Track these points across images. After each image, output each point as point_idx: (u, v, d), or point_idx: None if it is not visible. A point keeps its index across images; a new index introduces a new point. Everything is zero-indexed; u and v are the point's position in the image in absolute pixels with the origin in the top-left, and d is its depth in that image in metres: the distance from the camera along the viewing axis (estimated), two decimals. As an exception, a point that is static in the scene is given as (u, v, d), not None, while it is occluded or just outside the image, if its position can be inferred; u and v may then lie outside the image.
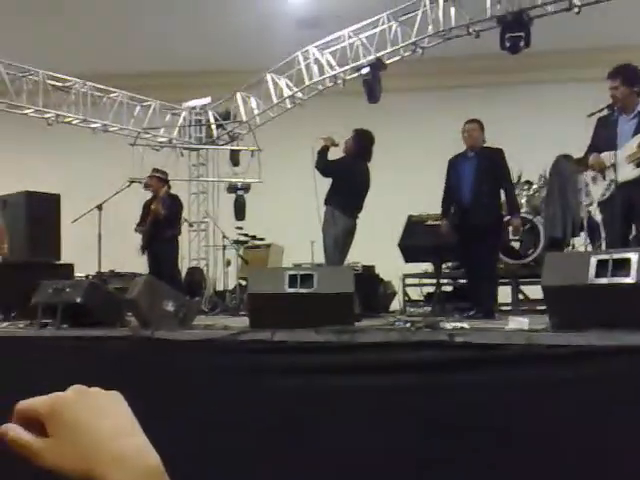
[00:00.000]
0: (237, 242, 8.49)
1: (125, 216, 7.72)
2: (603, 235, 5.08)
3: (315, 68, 8.71)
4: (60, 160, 11.12)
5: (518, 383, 3.25)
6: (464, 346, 3.37)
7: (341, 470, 3.55)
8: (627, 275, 3.29)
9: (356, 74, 8.37)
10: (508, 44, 7.01)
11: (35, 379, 4.49)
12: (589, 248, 5.54)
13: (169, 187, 7.90)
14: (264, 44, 9.68)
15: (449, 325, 3.78)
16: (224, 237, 8.39)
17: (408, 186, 9.92)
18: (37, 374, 4.52)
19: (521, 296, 6.59)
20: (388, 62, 8.19)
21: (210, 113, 10.11)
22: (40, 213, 7.87)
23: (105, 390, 0.63)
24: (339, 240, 6.13)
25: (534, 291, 5.94)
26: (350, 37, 8.32)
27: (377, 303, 6.38)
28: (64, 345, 4.59)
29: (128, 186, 7.71)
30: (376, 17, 8.06)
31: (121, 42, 10.32)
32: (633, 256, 3.29)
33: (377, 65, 8.08)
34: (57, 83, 8.83)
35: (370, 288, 6.29)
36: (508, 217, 5.69)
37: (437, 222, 5.86)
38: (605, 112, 4.85)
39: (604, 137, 4.74)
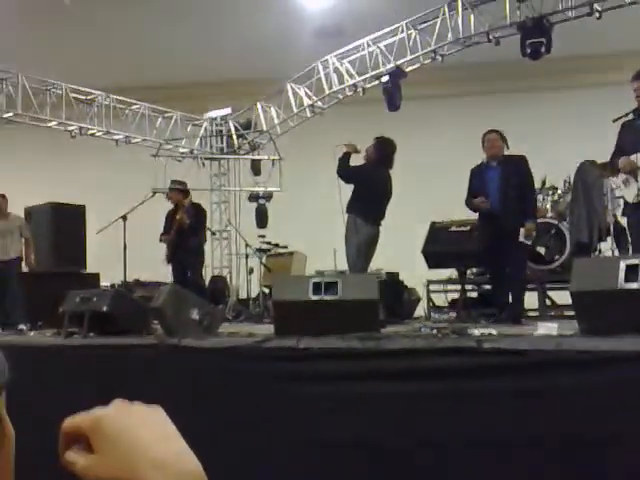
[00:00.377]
0: (260, 250, 8.52)
1: (149, 226, 7.79)
2: (630, 239, 5.03)
3: (335, 77, 8.74)
4: (84, 172, 11.27)
5: (548, 389, 3.22)
6: (493, 352, 3.34)
7: (368, 476, 3.53)
8: (657, 279, 3.25)
9: (376, 82, 8.39)
10: (529, 50, 6.98)
11: (63, 387, 4.53)
12: (616, 253, 5.48)
13: (188, 197, 7.95)
14: (284, 54, 9.74)
15: (477, 331, 3.75)
16: (247, 245, 8.42)
17: (430, 193, 9.90)
18: (64, 383, 4.56)
19: (548, 302, 6.53)
20: (408, 70, 8.19)
21: (231, 123, 10.18)
22: (65, 224, 8.00)
23: (144, 403, 0.64)
24: (362, 248, 6.12)
25: (561, 296, 5.89)
26: (369, 46, 8.34)
27: (401, 310, 6.35)
28: (91, 354, 4.63)
29: (151, 197, 7.78)
30: (395, 25, 8.07)
31: (142, 55, 10.45)
32: (663, 260, 3.25)
33: (397, 73, 8.09)
34: (80, 96, 8.95)
35: (394, 295, 6.26)
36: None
37: (460, 228, 5.83)
38: (630, 117, 4.81)
39: (629, 141, 4.70)
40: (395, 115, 8.10)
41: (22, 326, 6.00)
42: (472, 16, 7.48)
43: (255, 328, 5.57)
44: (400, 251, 7.18)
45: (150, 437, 0.59)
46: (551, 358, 3.25)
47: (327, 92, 8.89)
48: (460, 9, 7.49)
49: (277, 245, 8.74)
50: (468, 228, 5.91)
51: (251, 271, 8.50)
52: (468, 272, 6.60)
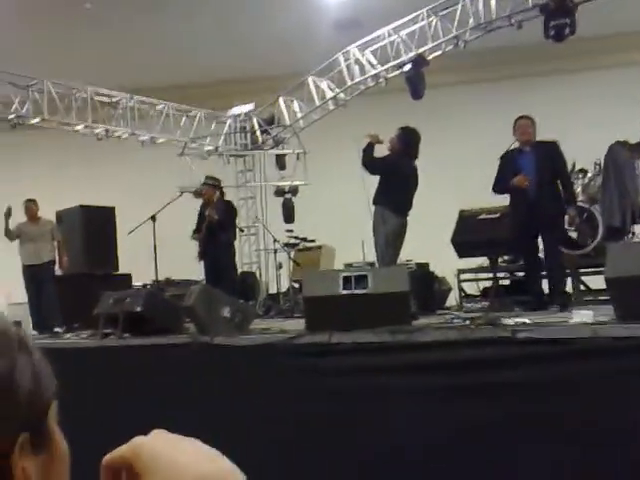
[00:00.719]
0: (288, 245, 8.53)
1: (178, 225, 7.85)
2: None
3: (356, 68, 8.69)
4: (112, 174, 11.39)
5: (585, 377, 3.18)
6: (528, 342, 3.31)
7: (400, 470, 3.53)
8: (695, 263, 3.18)
9: (398, 72, 8.31)
10: (552, 32, 6.85)
11: (101, 389, 4.60)
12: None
13: (222, 193, 8.00)
14: (304, 48, 9.71)
15: (511, 321, 3.71)
16: (275, 241, 8.44)
17: (458, 181, 9.81)
18: (102, 384, 4.62)
19: (582, 287, 6.43)
20: (430, 57, 8.11)
21: (254, 119, 10.19)
22: (96, 226, 8.11)
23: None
24: (390, 239, 6.09)
25: (595, 281, 5.80)
26: (390, 35, 8.27)
27: (433, 300, 6.32)
28: (127, 354, 4.69)
29: (179, 196, 7.83)
30: (415, 13, 7.99)
31: (163, 54, 10.50)
32: (701, 242, 3.18)
33: (419, 61, 8.00)
34: (104, 99, 9.04)
35: (425, 285, 6.23)
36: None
37: (490, 216, 5.77)
38: None
39: None
40: (420, 104, 8.03)
41: (58, 328, 6.10)
42: (493, 0, 7.37)
43: (286, 324, 5.59)
44: (430, 241, 7.13)
45: (193, 456, 0.60)
46: (587, 346, 3.21)
47: (349, 83, 8.84)
48: (481, -7, 7.38)
49: (305, 239, 8.74)
50: (497, 215, 5.84)
51: (280, 266, 8.52)
52: (499, 259, 6.53)
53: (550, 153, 5.56)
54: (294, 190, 9.46)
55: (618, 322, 3.42)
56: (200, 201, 8.06)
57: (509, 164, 5.64)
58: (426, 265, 7.19)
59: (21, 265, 7.50)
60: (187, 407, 4.18)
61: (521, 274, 6.41)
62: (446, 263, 6.74)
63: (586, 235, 6.02)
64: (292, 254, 8.50)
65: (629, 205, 5.78)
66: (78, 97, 8.75)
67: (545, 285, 5.56)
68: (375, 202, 6.27)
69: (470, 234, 5.69)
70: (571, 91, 10.32)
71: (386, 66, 8.43)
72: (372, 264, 7.71)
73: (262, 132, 10.15)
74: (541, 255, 5.52)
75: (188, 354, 4.39)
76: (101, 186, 10.75)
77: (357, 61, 8.67)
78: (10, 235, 7.47)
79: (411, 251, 6.53)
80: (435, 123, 10.04)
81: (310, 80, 9.19)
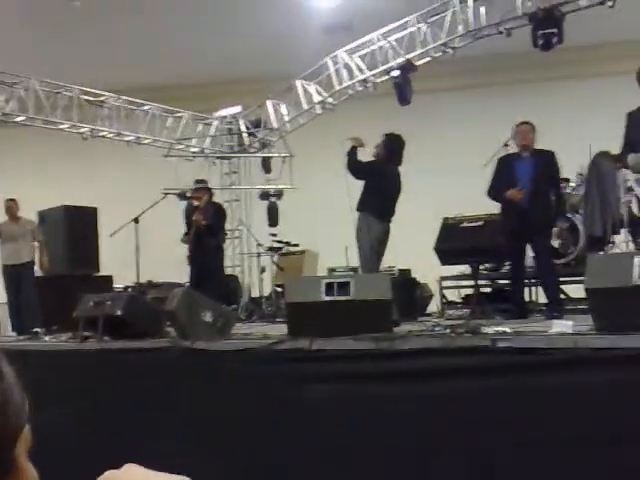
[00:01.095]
0: (271, 249, 8.51)
1: (161, 227, 7.81)
2: None
3: (345, 72, 8.69)
4: (96, 174, 11.32)
5: (564, 388, 3.19)
6: (507, 351, 3.32)
7: (381, 476, 3.52)
8: (673, 275, 3.20)
9: (386, 77, 8.33)
10: (540, 41, 6.88)
11: (78, 391, 4.56)
12: (630, 246, 5.41)
13: (211, 195, 7.97)
14: (293, 51, 9.70)
15: (491, 330, 3.72)
16: (258, 244, 8.42)
17: (443, 188, 9.84)
18: (80, 386, 4.58)
19: (562, 295, 6.47)
20: (418, 63, 8.13)
21: (241, 121, 10.16)
22: (78, 227, 8.05)
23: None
24: (375, 245, 6.10)
25: (575, 290, 5.84)
26: (379, 40, 8.28)
27: (414, 307, 6.34)
28: (106, 357, 4.66)
29: (163, 198, 7.79)
30: (405, 19, 8.01)
31: (150, 55, 10.46)
32: (680, 256, 3.21)
33: (407, 67, 8.02)
34: (91, 98, 8.97)
35: (406, 292, 6.25)
36: None
37: (473, 224, 5.79)
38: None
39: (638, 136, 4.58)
40: (407, 109, 8.05)
41: (37, 330, 6.04)
42: (483, 8, 7.40)
43: (268, 328, 5.58)
44: (413, 247, 7.14)
45: None
46: (566, 356, 3.22)
47: (337, 88, 8.84)
48: (471, 1, 7.40)
49: (288, 243, 8.73)
50: (480, 223, 5.87)
51: (263, 270, 8.51)
52: (481, 267, 6.55)
53: (547, 162, 5.59)
54: (279, 194, 9.44)
55: (597, 333, 3.44)
56: (184, 203, 8.02)
57: (506, 168, 5.66)
58: (408, 271, 7.21)
59: (0, 265, 7.43)
60: (167, 411, 4.16)
61: (503, 282, 6.44)
62: (428, 270, 6.76)
63: (567, 244, 6.06)
64: (275, 258, 8.49)
65: (610, 215, 5.82)
66: (64, 96, 8.69)
67: (537, 293, 5.61)
68: (359, 208, 6.28)
69: (453, 242, 5.71)
70: (558, 99, 10.39)
71: (374, 71, 8.44)
72: (355, 269, 7.72)
73: (249, 135, 10.12)
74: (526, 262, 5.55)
75: (169, 358, 4.36)
76: (84, 186, 10.67)
77: (346, 65, 8.67)
78: (-10, 235, 7.41)
79: (394, 257, 6.54)
80: (421, 129, 10.07)
81: (298, 84, 9.18)
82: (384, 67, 8.26)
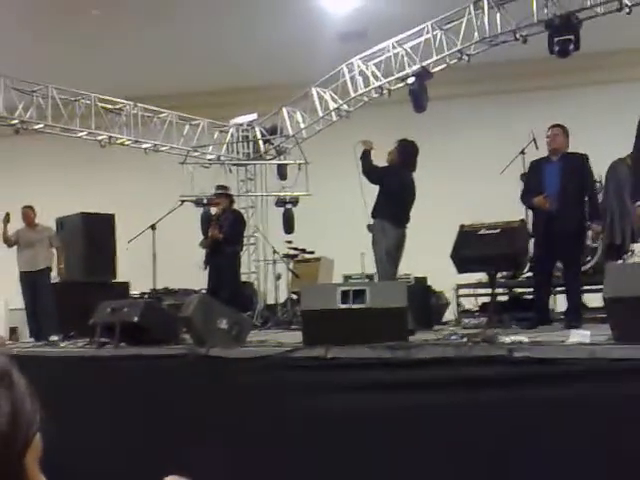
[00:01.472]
0: (287, 256, 8.52)
1: (178, 234, 7.85)
2: None
3: (360, 80, 8.71)
4: (114, 181, 11.40)
5: (581, 399, 3.15)
6: (524, 361, 3.28)
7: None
8: (693, 285, 3.16)
9: (402, 84, 8.33)
10: (557, 48, 6.84)
11: (95, 397, 4.59)
12: (650, 254, 5.36)
13: (232, 202, 7.99)
14: (308, 58, 9.73)
15: (507, 339, 3.69)
16: (274, 251, 8.43)
17: (459, 195, 9.80)
18: (97, 392, 4.61)
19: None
20: (434, 70, 8.12)
21: (257, 129, 10.21)
22: (96, 233, 8.10)
23: None
24: (391, 252, 6.08)
25: (593, 299, 5.78)
26: (394, 47, 8.28)
27: (430, 315, 6.30)
28: (123, 364, 4.68)
29: (180, 205, 7.83)
30: (420, 26, 8.00)
31: (168, 62, 10.54)
32: (700, 265, 3.16)
33: (423, 74, 8.02)
34: (108, 106, 9.05)
35: (422, 300, 6.21)
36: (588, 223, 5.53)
37: (490, 231, 5.75)
38: None
39: None
40: (422, 116, 8.04)
41: (54, 337, 6.08)
42: (498, 15, 7.38)
43: (283, 336, 5.58)
44: (429, 254, 7.11)
45: None
46: (584, 367, 3.18)
47: (352, 95, 8.86)
48: (486, 8, 7.39)
49: (304, 250, 8.73)
50: (498, 231, 5.81)
51: (279, 277, 8.51)
52: (498, 275, 6.50)
53: (577, 165, 5.47)
54: (295, 201, 9.46)
55: (615, 343, 3.40)
56: (197, 211, 8.06)
57: (536, 173, 5.61)
58: (424, 279, 7.17)
59: (18, 272, 7.49)
60: (182, 418, 4.16)
61: (520, 290, 6.38)
62: (445, 277, 6.72)
63: (586, 252, 6.00)
64: (291, 265, 8.49)
65: (629, 223, 5.76)
66: (82, 103, 8.77)
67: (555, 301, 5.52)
68: (374, 215, 6.27)
69: (470, 249, 5.65)
70: (573, 106, 10.31)
71: (390, 78, 8.44)
72: (371, 276, 7.70)
73: (264, 142, 10.17)
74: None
75: (184, 365, 4.38)
76: (102, 193, 10.75)
77: (361, 73, 8.68)
78: (8, 241, 7.47)
79: (410, 265, 6.52)
80: (437, 136, 10.06)
81: (314, 91, 9.21)
82: (399, 74, 8.26)
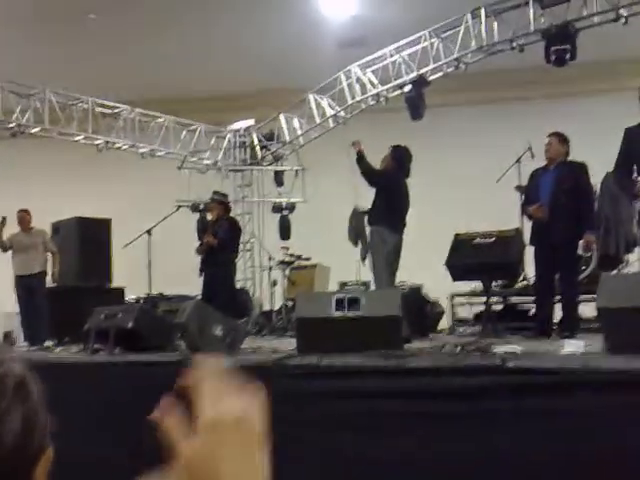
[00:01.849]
0: (283, 262, 8.52)
1: (174, 239, 7.84)
2: None
3: (357, 87, 8.74)
4: (110, 186, 11.39)
5: (574, 409, 3.15)
6: (517, 371, 3.29)
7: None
8: (687, 297, 3.17)
9: (399, 91, 8.36)
10: (553, 57, 6.89)
11: (89, 404, 4.57)
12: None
13: (228, 210, 7.96)
14: (306, 64, 9.76)
15: (501, 349, 3.70)
16: (270, 258, 8.43)
17: (454, 202, 9.82)
18: (91, 399, 4.59)
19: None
20: (431, 78, 8.15)
21: (254, 135, 10.23)
22: (91, 238, 8.09)
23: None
24: (391, 258, 6.06)
25: (587, 309, 5.79)
26: (392, 55, 8.32)
27: (425, 323, 6.30)
28: (117, 370, 4.67)
29: (176, 210, 7.83)
30: (418, 34, 8.04)
31: (165, 68, 10.55)
32: (693, 277, 3.17)
33: (420, 82, 8.05)
34: (106, 110, 9.06)
35: (417, 308, 6.21)
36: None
37: (485, 240, 5.76)
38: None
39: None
40: (419, 124, 8.06)
41: (49, 342, 6.07)
42: (495, 24, 7.42)
43: (278, 342, 5.58)
44: (424, 263, 7.12)
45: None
46: (577, 377, 3.19)
47: (350, 102, 8.88)
48: (483, 17, 7.43)
49: (300, 257, 8.74)
50: (493, 239, 5.83)
51: (274, 283, 8.51)
52: (493, 284, 6.52)
53: (574, 174, 5.42)
54: (291, 207, 9.47)
55: (609, 354, 3.40)
56: (197, 215, 8.05)
57: (532, 183, 5.61)
58: (419, 287, 7.18)
59: (14, 275, 7.48)
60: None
61: (515, 299, 6.39)
62: (440, 285, 6.73)
63: (580, 263, 6.01)
64: (287, 272, 8.49)
65: (623, 233, 5.77)
66: (79, 108, 8.78)
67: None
68: (372, 222, 6.25)
69: (465, 258, 5.67)
70: (570, 115, 10.34)
71: (387, 86, 8.47)
72: (367, 283, 7.70)
73: (261, 148, 10.19)
74: None
75: (178, 372, 4.36)
76: (98, 198, 10.74)
77: (358, 80, 8.71)
78: (3, 245, 7.46)
79: (405, 273, 6.52)
80: (434, 144, 10.08)
81: (311, 97, 9.23)
82: (397, 82, 8.30)
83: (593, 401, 3.12)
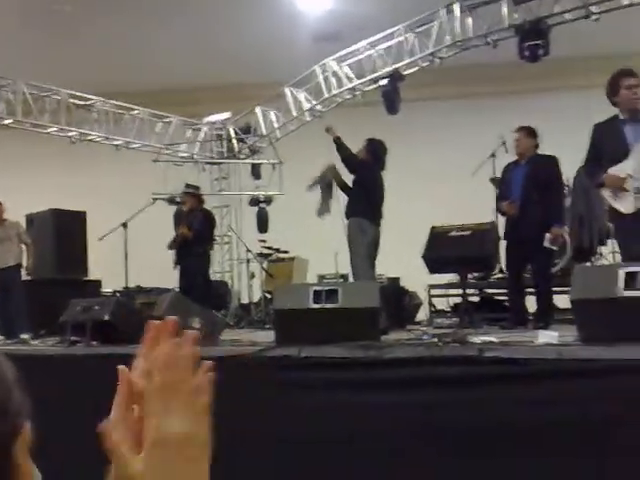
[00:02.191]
0: (261, 255, 8.53)
1: (150, 232, 7.79)
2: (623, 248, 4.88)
3: (333, 80, 8.76)
4: (85, 178, 11.27)
5: (549, 398, 3.23)
6: (494, 361, 3.35)
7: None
8: (657, 287, 3.26)
9: (375, 86, 8.39)
10: (527, 53, 6.97)
11: (66, 396, 4.54)
12: (617, 257, 5.48)
13: (202, 201, 7.97)
14: (282, 58, 9.75)
15: (478, 339, 3.76)
16: (247, 251, 8.43)
17: (431, 196, 9.91)
18: (68, 392, 4.57)
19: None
20: (406, 73, 8.20)
21: (231, 128, 10.20)
22: (67, 230, 8.01)
23: None
24: (371, 249, 6.09)
25: (561, 301, 5.90)
26: (368, 49, 8.35)
27: (403, 315, 6.36)
28: (94, 362, 4.65)
29: (152, 203, 7.80)
30: (393, 29, 8.08)
31: (140, 59, 10.46)
32: (663, 267, 3.26)
33: (395, 76, 8.09)
34: (79, 102, 8.96)
35: (395, 300, 6.27)
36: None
37: (461, 233, 5.83)
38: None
39: (614, 145, 4.54)
40: (395, 118, 8.10)
41: (25, 335, 6.00)
42: (470, 19, 7.49)
43: (257, 335, 5.59)
44: (402, 255, 7.18)
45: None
46: (552, 367, 3.26)
47: (326, 95, 8.90)
48: (458, 12, 7.49)
49: (278, 250, 8.75)
50: (469, 232, 5.91)
51: (252, 276, 8.52)
52: (469, 276, 6.60)
53: (545, 168, 5.47)
54: (269, 200, 9.47)
55: (582, 344, 3.48)
56: (174, 208, 8.03)
57: (505, 178, 5.67)
58: (397, 279, 7.25)
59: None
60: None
61: (491, 291, 6.48)
62: (418, 277, 6.80)
63: (554, 255, 6.12)
64: (265, 265, 8.50)
65: (596, 226, 5.89)
66: (52, 99, 8.67)
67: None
68: (351, 214, 6.25)
69: (441, 250, 5.74)
70: (543, 110, 10.47)
71: (363, 80, 8.51)
72: (345, 276, 7.75)
73: (238, 141, 10.16)
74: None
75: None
76: (74, 190, 10.63)
77: (334, 74, 8.73)
78: (-24, 238, 7.35)
79: (383, 265, 6.57)
80: (410, 137, 10.14)
81: (287, 91, 9.23)
82: (372, 76, 8.33)
83: (567, 390, 3.19)
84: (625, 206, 4.34)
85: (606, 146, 4.57)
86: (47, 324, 5.95)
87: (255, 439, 3.83)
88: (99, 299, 5.83)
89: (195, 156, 10.10)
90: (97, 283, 8.02)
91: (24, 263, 7.47)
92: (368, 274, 5.99)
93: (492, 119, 7.80)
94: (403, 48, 8.04)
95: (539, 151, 5.69)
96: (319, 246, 8.12)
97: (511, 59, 7.27)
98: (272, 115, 9.63)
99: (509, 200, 5.44)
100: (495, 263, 6.17)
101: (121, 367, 0.68)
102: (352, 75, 8.58)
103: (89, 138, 9.07)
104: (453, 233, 5.86)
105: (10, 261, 7.32)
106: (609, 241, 6.19)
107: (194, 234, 7.39)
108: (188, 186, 8.00)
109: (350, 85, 8.64)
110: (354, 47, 8.48)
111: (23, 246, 7.50)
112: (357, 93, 8.74)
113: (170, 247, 7.66)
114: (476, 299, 7.01)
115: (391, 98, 8.09)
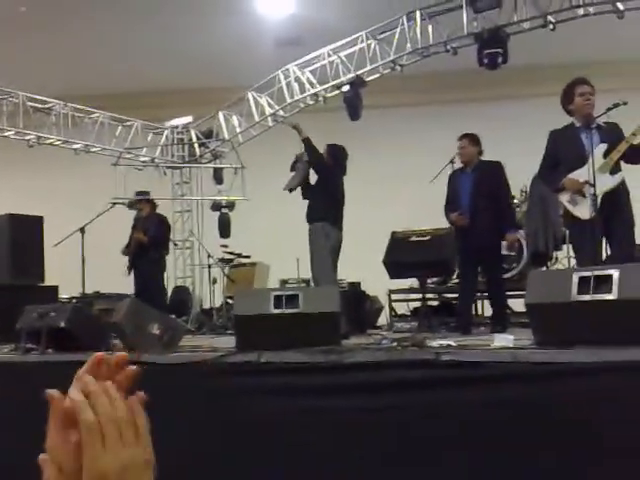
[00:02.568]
0: (223, 260, 8.48)
1: (109, 237, 7.69)
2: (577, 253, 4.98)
3: (296, 86, 8.77)
4: (43, 182, 11.07)
5: (504, 401, 3.28)
6: (450, 365, 3.39)
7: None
8: (609, 291, 3.33)
9: (337, 91, 8.44)
10: (486, 60, 7.10)
11: (21, 404, 4.45)
12: (572, 261, 5.60)
13: (155, 206, 7.93)
14: (244, 63, 9.73)
15: (436, 343, 3.80)
16: (209, 256, 8.38)
17: (392, 202, 9.99)
18: (22, 400, 4.47)
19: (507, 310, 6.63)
20: (368, 79, 8.26)
21: (192, 132, 10.13)
22: (23, 235, 7.82)
23: None
24: (334, 254, 6.12)
25: (518, 304, 6.00)
26: (330, 55, 8.39)
27: (364, 319, 6.39)
28: (49, 370, 4.56)
29: (111, 207, 7.69)
30: (355, 35, 8.13)
31: (100, 63, 10.33)
32: (615, 272, 3.34)
33: (357, 83, 8.15)
34: (37, 105, 8.80)
35: (356, 305, 6.30)
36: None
37: (421, 238, 5.90)
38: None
39: (571, 152, 4.65)
40: (357, 123, 8.16)
41: (-22, 342, 5.85)
42: (430, 26, 7.58)
43: (217, 341, 5.55)
44: (363, 260, 7.23)
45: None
46: (507, 370, 3.31)
47: (288, 101, 8.91)
48: (418, 20, 7.59)
49: (240, 255, 8.72)
50: (428, 238, 5.98)
51: (214, 281, 8.46)
52: (429, 281, 6.68)
53: (491, 175, 5.53)
54: (231, 205, 9.43)
55: (537, 347, 3.54)
56: (133, 213, 7.95)
57: (452, 184, 5.72)
58: (358, 284, 7.28)
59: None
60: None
61: (450, 296, 6.55)
62: (379, 282, 6.85)
63: (511, 260, 6.23)
64: (226, 270, 8.46)
65: (552, 231, 6.01)
66: (9, 102, 8.50)
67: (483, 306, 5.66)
68: (314, 218, 6.25)
69: (401, 255, 5.80)
70: (502, 118, 10.67)
71: (325, 86, 8.54)
72: (307, 281, 7.75)
73: (200, 145, 10.09)
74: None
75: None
76: (31, 194, 10.42)
77: (297, 79, 8.75)
78: None
79: (344, 270, 6.60)
80: (372, 143, 10.22)
81: (250, 95, 9.21)
82: (334, 82, 8.37)
83: (522, 392, 3.25)
84: (582, 212, 4.45)
85: (563, 153, 4.68)
86: (2, 331, 5.81)
87: (215, 445, 3.80)
88: (55, 305, 5.71)
89: (156, 160, 10.00)
90: (54, 289, 7.85)
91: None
92: (330, 278, 6.01)
93: (452, 126, 7.86)
94: (365, 55, 8.10)
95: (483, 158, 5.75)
96: (281, 251, 8.11)
97: (471, 66, 7.39)
98: (234, 119, 9.60)
99: (458, 211, 5.49)
100: (454, 267, 6.25)
101: (51, 392, 0.68)
102: (314, 81, 8.61)
103: (47, 142, 8.92)
104: (413, 238, 5.93)
105: (-36, 267, 7.14)
106: (564, 246, 6.32)
107: (150, 240, 7.34)
108: (139, 193, 7.97)
109: (312, 91, 8.67)
110: (316, 53, 8.52)
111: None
112: (319, 99, 8.77)
113: (124, 252, 7.59)
114: (435, 303, 7.09)
115: (353, 104, 8.14)
